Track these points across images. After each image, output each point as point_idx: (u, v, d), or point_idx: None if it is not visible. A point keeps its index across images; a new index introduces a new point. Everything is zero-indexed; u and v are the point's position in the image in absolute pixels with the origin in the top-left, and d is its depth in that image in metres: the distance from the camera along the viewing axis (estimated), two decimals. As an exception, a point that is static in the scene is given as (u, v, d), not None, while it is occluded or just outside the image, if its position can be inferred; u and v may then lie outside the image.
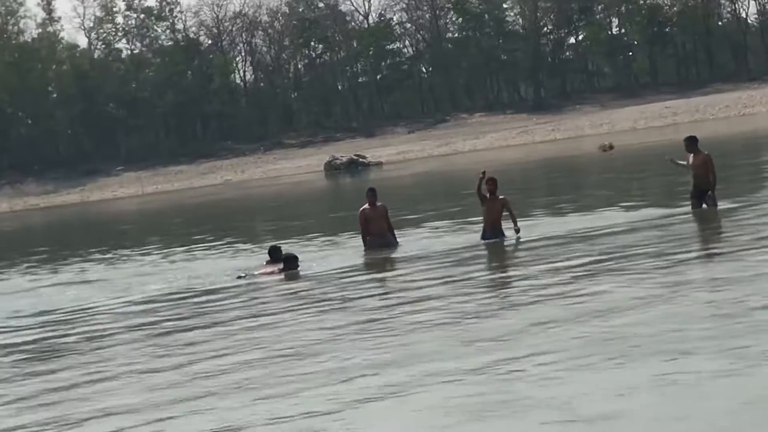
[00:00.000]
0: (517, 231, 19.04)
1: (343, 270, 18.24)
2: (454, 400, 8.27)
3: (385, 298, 14.55)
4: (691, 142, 19.73)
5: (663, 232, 17.64)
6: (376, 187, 21.67)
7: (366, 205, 20.48)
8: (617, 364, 8.73)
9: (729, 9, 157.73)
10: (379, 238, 20.29)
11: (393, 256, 19.47)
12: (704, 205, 19.51)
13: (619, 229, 18.72)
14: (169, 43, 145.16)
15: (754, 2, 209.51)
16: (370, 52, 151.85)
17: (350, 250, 21.27)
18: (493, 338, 10.48)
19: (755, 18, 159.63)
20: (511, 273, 16.06)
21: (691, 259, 14.45)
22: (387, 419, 8.13)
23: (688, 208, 19.69)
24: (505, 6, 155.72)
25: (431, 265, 17.45)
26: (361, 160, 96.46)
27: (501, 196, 19.36)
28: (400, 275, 17.48)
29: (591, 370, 8.65)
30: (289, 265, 18.48)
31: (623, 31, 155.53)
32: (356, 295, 15.03)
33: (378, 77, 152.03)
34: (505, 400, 8.07)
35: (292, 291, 16.57)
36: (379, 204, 20.54)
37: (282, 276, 18.18)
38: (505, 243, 18.91)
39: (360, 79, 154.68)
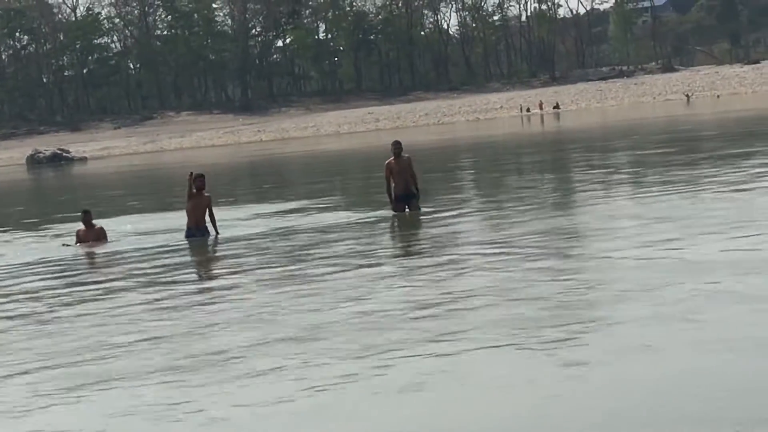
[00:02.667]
0: (216, 233, 19.24)
1: (31, 264, 17.93)
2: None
3: (53, 296, 14.27)
4: (398, 146, 20.41)
5: (362, 234, 18.09)
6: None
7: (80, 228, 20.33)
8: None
9: (431, 20, 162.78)
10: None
11: (91, 251, 19.24)
12: (407, 209, 20.12)
13: (318, 229, 19.07)
14: None
15: (455, 15, 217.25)
16: (77, 46, 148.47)
17: (37, 245, 21.23)
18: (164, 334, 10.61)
19: (456, 30, 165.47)
20: (202, 272, 16.19)
21: (389, 260, 14.91)
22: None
23: (390, 212, 20.17)
24: (214, 6, 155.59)
25: (122, 261, 17.42)
26: (64, 154, 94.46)
27: (207, 194, 19.44)
28: (93, 270, 17.40)
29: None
30: None
31: (330, 36, 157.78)
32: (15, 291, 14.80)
33: (84, 71, 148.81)
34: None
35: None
36: (96, 226, 20.37)
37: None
38: (208, 241, 18.97)
39: (66, 73, 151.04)
